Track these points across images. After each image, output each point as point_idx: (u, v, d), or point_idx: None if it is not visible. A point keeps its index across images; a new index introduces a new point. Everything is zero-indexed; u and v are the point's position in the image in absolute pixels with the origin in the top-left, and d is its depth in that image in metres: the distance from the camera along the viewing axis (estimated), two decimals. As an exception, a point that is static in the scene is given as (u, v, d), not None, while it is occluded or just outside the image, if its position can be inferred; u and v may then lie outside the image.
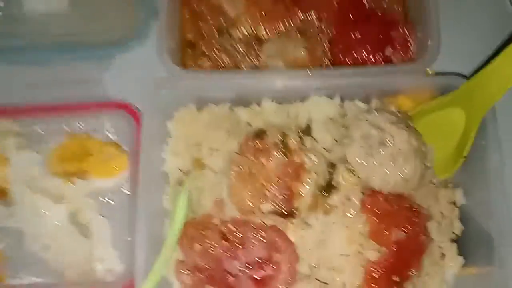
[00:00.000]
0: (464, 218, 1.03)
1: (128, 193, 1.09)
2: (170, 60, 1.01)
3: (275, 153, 0.91)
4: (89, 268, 1.06)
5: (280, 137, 0.92)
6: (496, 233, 0.94)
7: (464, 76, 1.01)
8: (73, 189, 1.09)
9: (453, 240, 1.02)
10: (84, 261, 1.06)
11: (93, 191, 1.09)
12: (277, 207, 0.90)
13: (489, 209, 0.95)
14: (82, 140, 1.12)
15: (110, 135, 1.15)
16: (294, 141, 0.93)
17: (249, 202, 0.90)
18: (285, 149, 0.92)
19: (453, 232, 1.02)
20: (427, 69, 1.02)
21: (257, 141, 0.92)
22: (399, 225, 0.94)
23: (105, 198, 1.10)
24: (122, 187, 1.11)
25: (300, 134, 0.99)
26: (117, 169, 1.09)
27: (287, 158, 0.91)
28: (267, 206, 0.89)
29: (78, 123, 1.15)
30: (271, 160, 0.91)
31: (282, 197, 0.89)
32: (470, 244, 1.01)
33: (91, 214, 1.08)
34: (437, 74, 1.10)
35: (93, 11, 1.22)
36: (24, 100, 1.14)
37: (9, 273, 1.08)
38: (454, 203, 1.03)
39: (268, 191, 0.89)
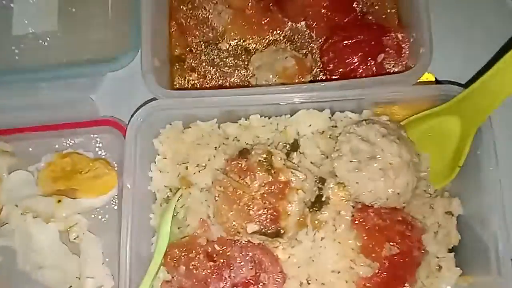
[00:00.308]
0: (461, 227, 0.99)
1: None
2: (153, 81, 1.00)
3: (260, 172, 0.88)
4: (79, 286, 1.05)
5: (264, 156, 0.89)
6: (492, 242, 0.91)
7: (460, 85, 0.97)
8: (63, 208, 1.08)
9: (450, 250, 0.98)
10: (75, 278, 1.05)
11: (83, 209, 1.08)
12: (262, 227, 0.87)
13: (485, 218, 0.93)
14: (72, 158, 1.11)
15: (100, 152, 1.14)
16: (280, 159, 0.90)
17: (234, 223, 0.88)
18: (270, 168, 0.89)
19: (451, 242, 0.99)
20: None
21: (241, 161, 0.90)
22: (391, 240, 0.91)
23: (96, 215, 1.10)
24: (113, 204, 1.10)
25: (288, 149, 0.97)
26: (106, 187, 1.08)
27: (272, 177, 0.88)
28: (252, 227, 0.87)
29: (68, 140, 1.15)
30: (256, 180, 0.88)
31: (267, 217, 0.87)
32: (468, 253, 0.98)
33: (82, 232, 1.07)
34: (431, 82, 1.07)
35: (82, 29, 1.21)
36: (16, 121, 1.14)
37: (1, 292, 1.08)
38: (451, 213, 1.00)
39: (253, 211, 0.87)
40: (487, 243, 0.92)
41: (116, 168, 1.11)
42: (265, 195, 0.88)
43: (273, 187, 0.88)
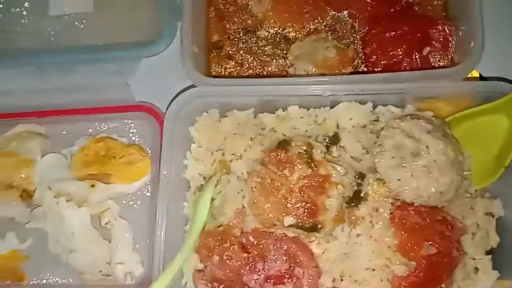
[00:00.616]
0: (501, 229, 0.96)
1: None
2: (192, 67, 0.98)
3: (299, 165, 0.86)
4: (109, 271, 1.05)
5: (305, 148, 0.87)
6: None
7: (509, 81, 0.92)
8: (96, 192, 1.08)
9: (488, 252, 0.95)
10: (105, 264, 1.06)
11: (115, 195, 1.08)
12: (299, 221, 0.85)
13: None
14: (106, 143, 1.10)
15: (134, 138, 1.13)
16: (320, 152, 0.87)
17: (270, 215, 0.86)
18: (310, 161, 0.86)
19: (489, 244, 0.95)
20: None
21: (280, 152, 0.87)
22: (431, 239, 0.88)
23: (128, 201, 1.09)
24: (145, 191, 1.09)
25: (328, 142, 0.94)
26: (140, 173, 1.07)
27: (311, 170, 0.86)
28: (289, 220, 0.85)
29: (102, 125, 1.14)
30: (295, 172, 0.86)
31: (305, 211, 0.84)
32: (506, 256, 0.94)
33: (113, 218, 1.07)
34: (481, 79, 1.03)
35: (118, 12, 1.20)
36: (50, 103, 1.14)
37: (30, 273, 1.09)
38: (491, 214, 0.96)
39: (291, 204, 0.84)
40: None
41: (149, 155, 1.10)
42: (304, 188, 0.85)
43: (312, 180, 0.86)
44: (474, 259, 0.93)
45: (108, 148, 1.10)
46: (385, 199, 0.91)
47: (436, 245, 0.87)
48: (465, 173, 0.96)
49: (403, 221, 0.88)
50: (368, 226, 0.91)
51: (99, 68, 1.17)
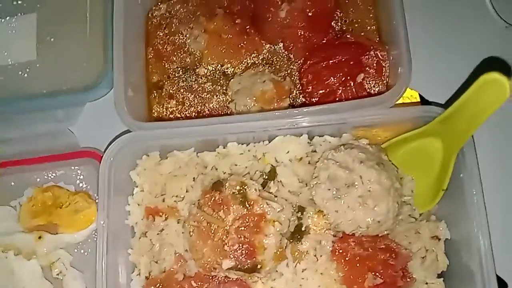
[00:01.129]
0: (449, 252, 0.96)
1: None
2: (126, 113, 0.98)
3: (234, 205, 0.86)
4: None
5: (238, 187, 0.87)
6: (477, 267, 0.88)
7: (441, 105, 0.94)
8: (44, 244, 1.06)
9: (439, 275, 0.95)
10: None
11: (64, 244, 1.06)
12: (238, 263, 0.84)
13: (470, 242, 0.89)
14: (53, 192, 1.09)
15: (81, 184, 1.12)
16: (255, 190, 0.87)
17: (209, 259, 0.85)
18: (244, 200, 0.86)
19: (440, 268, 0.95)
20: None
21: (214, 194, 0.87)
22: (374, 270, 0.88)
23: (79, 249, 1.08)
24: (95, 238, 1.08)
25: (265, 178, 0.94)
26: (87, 221, 1.06)
27: (246, 209, 0.86)
28: (227, 263, 0.85)
29: (50, 174, 1.13)
30: (230, 213, 0.86)
31: (242, 252, 0.84)
32: (456, 278, 0.94)
33: (64, 268, 1.06)
34: (416, 103, 1.05)
35: (61, 58, 1.20)
36: (-4, 154, 1.13)
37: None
38: (437, 237, 0.96)
39: (228, 246, 0.84)
40: (473, 268, 0.89)
41: (97, 201, 1.09)
42: (240, 229, 0.85)
43: (247, 220, 0.86)
44: (427, 283, 0.93)
45: (55, 197, 1.09)
46: (327, 231, 0.92)
47: (380, 276, 0.88)
48: (405, 198, 0.97)
49: (344, 254, 0.89)
50: (313, 260, 0.91)
51: (44, 115, 1.17)
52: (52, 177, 1.13)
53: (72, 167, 1.13)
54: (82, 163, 1.12)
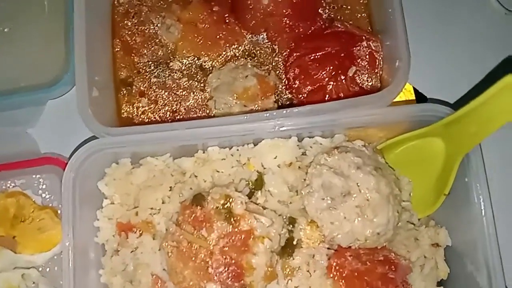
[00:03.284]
0: (449, 259, 0.90)
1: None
2: (91, 117, 0.86)
3: (218, 222, 0.76)
4: None
5: (222, 202, 0.77)
6: (484, 276, 0.82)
7: (445, 103, 0.85)
8: (5, 262, 0.95)
9: (439, 284, 0.89)
10: None
11: (21, 265, 0.95)
12: (224, 286, 0.75)
13: (475, 250, 0.83)
14: (18, 199, 0.98)
15: (44, 195, 1.00)
16: (241, 204, 0.78)
17: (191, 283, 0.76)
18: (230, 215, 0.77)
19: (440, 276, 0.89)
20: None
21: (195, 209, 0.77)
22: (374, 286, 0.81)
23: (44, 269, 0.97)
24: (56, 260, 0.96)
25: (251, 188, 0.85)
26: (49, 243, 0.95)
27: (232, 226, 0.76)
28: (212, 287, 0.75)
29: (8, 183, 1.01)
30: (214, 231, 0.76)
31: (229, 274, 0.75)
32: (458, 286, 0.89)
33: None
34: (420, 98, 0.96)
35: (20, 54, 1.07)
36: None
37: None
38: (437, 245, 0.89)
39: (212, 268, 0.75)
40: (479, 279, 0.83)
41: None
42: (225, 249, 0.76)
43: (234, 238, 0.76)
44: (426, 292, 0.87)
45: (20, 206, 0.97)
46: (321, 244, 0.83)
47: (379, 291, 0.81)
48: (404, 203, 0.89)
49: (341, 270, 0.81)
50: (306, 276, 0.83)
51: (1, 116, 1.05)
52: (11, 187, 1.01)
53: (33, 175, 1.01)
54: (44, 171, 1.00)
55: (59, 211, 0.97)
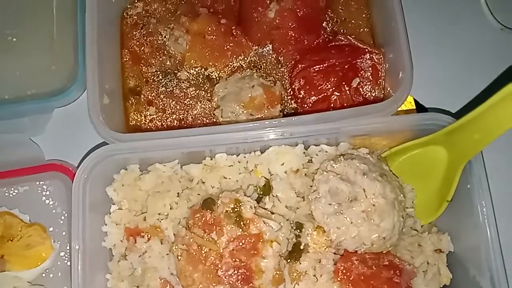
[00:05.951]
0: (452, 265, 0.91)
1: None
2: (103, 124, 0.87)
3: (227, 225, 0.77)
4: None
5: (232, 206, 0.78)
6: (487, 282, 0.83)
7: (446, 112, 0.88)
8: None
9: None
10: None
11: (9, 282, 0.95)
12: (233, 289, 0.76)
13: (478, 256, 0.84)
14: (4, 219, 0.97)
15: (47, 201, 1.00)
16: (250, 208, 0.79)
17: (200, 286, 0.76)
18: (239, 219, 0.78)
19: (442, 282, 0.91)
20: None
21: (205, 213, 0.78)
22: (379, 289, 0.82)
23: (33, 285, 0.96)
24: (44, 276, 0.96)
25: (259, 194, 0.86)
26: (38, 259, 0.95)
27: (242, 229, 0.78)
28: (221, 290, 0.76)
29: (11, 190, 1.02)
30: (223, 235, 0.77)
31: (238, 277, 0.76)
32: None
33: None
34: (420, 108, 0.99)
35: (25, 61, 1.07)
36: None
37: None
38: (440, 250, 0.91)
39: (222, 272, 0.76)
40: (480, 282, 0.84)
41: (62, 222, 0.98)
42: (235, 252, 0.77)
43: (243, 241, 0.77)
44: (428, 298, 0.88)
45: (7, 226, 0.97)
46: (327, 249, 0.84)
47: (385, 295, 0.82)
48: (408, 210, 0.91)
49: (348, 274, 0.82)
50: (312, 281, 0.84)
51: (8, 125, 1.05)
52: (14, 194, 1.02)
53: (37, 182, 1.01)
54: (48, 177, 1.01)
55: (61, 212, 0.98)
